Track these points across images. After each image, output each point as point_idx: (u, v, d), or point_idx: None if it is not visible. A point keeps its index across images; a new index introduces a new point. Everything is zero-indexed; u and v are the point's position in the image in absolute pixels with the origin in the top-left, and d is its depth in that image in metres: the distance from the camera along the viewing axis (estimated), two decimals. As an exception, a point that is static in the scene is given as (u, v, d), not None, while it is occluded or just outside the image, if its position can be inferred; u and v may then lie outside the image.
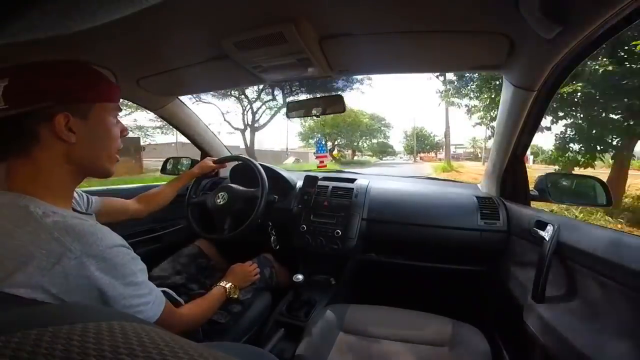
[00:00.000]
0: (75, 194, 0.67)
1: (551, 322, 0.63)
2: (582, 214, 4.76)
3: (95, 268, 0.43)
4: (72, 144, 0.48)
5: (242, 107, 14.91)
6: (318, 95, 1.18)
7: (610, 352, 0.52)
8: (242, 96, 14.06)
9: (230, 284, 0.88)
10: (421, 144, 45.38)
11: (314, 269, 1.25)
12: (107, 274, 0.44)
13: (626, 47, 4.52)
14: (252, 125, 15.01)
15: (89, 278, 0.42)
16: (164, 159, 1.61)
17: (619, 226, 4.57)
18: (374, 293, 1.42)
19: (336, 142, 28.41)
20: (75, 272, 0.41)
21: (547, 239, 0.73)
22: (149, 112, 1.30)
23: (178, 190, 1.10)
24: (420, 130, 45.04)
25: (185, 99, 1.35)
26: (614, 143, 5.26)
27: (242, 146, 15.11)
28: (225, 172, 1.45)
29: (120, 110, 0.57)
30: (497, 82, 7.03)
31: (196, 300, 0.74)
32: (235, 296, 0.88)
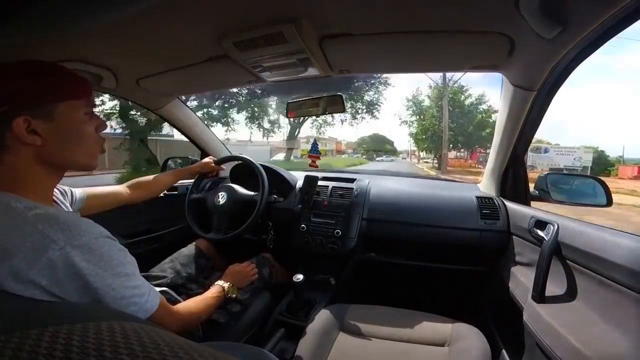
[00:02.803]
0: (58, 192, 0.66)
1: (551, 322, 0.63)
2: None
3: (80, 259, 0.43)
4: (38, 146, 0.46)
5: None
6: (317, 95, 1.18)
7: (610, 352, 0.52)
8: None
9: (228, 283, 0.87)
10: (460, 130, 17.17)
11: (314, 269, 1.25)
12: (94, 264, 0.44)
13: None
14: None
15: (75, 268, 0.42)
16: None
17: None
18: (374, 293, 1.42)
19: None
20: (61, 263, 0.41)
21: (547, 239, 0.72)
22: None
23: (174, 181, 1.09)
24: (455, 94, 16.89)
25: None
26: None
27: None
28: (225, 171, 1.46)
29: (94, 105, 0.55)
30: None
31: (193, 299, 0.74)
32: (234, 296, 0.88)
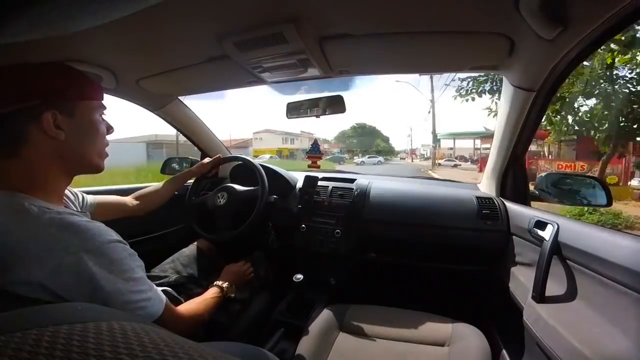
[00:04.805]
0: (69, 194, 0.67)
1: (551, 322, 0.63)
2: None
3: (93, 263, 0.43)
4: (60, 141, 0.49)
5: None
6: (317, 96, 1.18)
7: (610, 352, 0.52)
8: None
9: (226, 283, 0.88)
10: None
11: (314, 268, 1.25)
12: (105, 269, 0.44)
13: None
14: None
15: (86, 273, 0.43)
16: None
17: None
18: (374, 293, 1.42)
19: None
20: (73, 267, 0.42)
21: (547, 239, 0.72)
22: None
23: (176, 189, 1.10)
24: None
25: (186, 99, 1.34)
26: None
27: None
28: (225, 172, 1.45)
29: (105, 108, 0.59)
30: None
31: (193, 300, 0.74)
32: (232, 295, 0.89)
